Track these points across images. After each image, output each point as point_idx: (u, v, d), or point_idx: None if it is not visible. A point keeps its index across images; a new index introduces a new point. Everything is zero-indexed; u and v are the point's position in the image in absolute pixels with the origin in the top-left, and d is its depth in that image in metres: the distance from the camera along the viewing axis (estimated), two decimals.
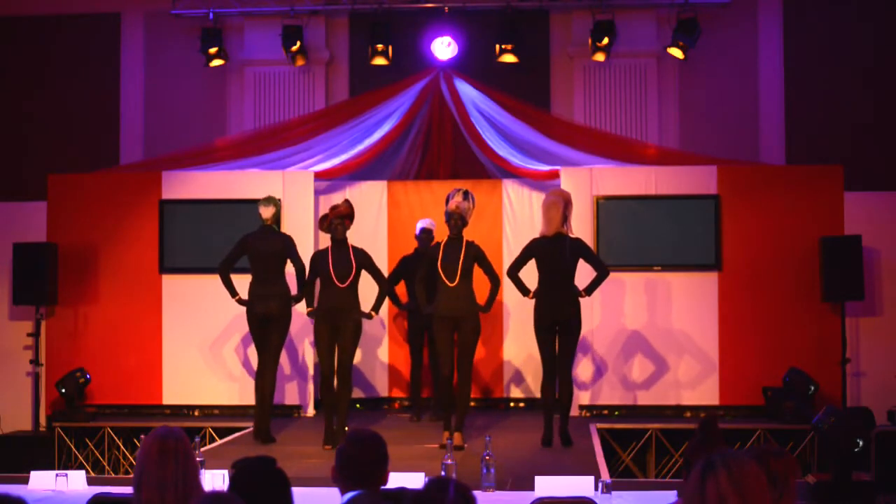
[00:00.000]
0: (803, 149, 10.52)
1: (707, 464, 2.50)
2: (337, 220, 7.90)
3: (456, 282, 7.69)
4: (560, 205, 7.75)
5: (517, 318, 9.89)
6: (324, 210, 10.14)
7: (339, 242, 7.95)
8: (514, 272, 7.95)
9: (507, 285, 9.86)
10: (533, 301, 7.94)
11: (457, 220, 7.75)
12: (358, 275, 7.92)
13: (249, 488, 3.01)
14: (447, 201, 7.79)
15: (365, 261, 8.00)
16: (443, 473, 5.64)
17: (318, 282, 8.03)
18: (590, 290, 7.94)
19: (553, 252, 7.75)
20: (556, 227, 7.74)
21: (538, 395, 9.17)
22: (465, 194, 7.77)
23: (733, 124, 10.71)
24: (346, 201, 8.07)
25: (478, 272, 7.88)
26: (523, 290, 7.97)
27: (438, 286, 7.78)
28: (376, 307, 8.07)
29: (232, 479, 3.09)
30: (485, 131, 10.08)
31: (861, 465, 7.48)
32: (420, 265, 8.26)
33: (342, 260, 7.89)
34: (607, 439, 8.85)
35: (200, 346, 9.72)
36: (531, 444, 7.86)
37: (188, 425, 8.70)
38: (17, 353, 10.22)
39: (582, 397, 9.54)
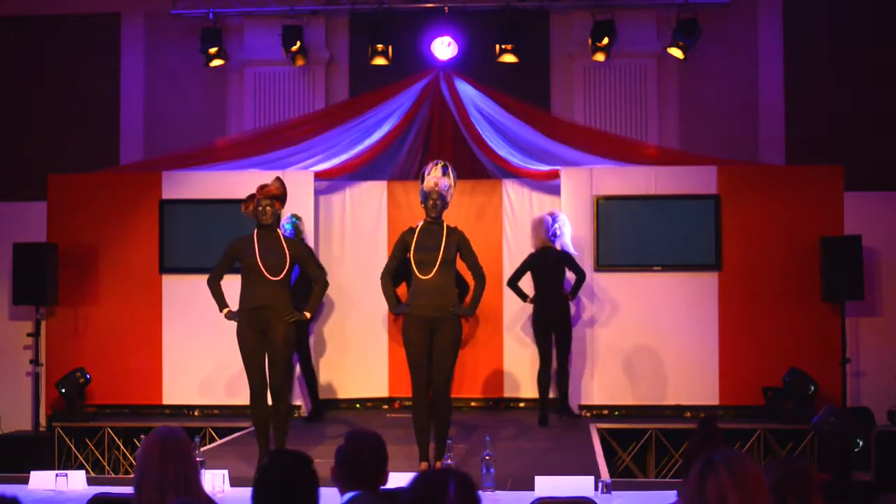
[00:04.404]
0: (803, 149, 10.52)
1: (707, 463, 2.50)
2: (266, 202, 6.75)
3: (432, 274, 6.59)
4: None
5: (517, 318, 9.89)
6: (324, 210, 10.19)
7: (267, 228, 6.78)
8: (513, 282, 9.12)
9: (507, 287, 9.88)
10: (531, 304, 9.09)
11: (435, 201, 6.67)
12: (291, 267, 6.81)
13: (282, 481, 2.97)
14: (422, 178, 6.78)
15: (301, 252, 6.95)
16: None
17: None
18: (573, 293, 9.10)
19: (542, 263, 8.96)
20: (540, 242, 8.97)
21: (538, 393, 9.38)
22: (445, 168, 6.75)
23: (733, 124, 10.71)
24: (278, 179, 6.94)
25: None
26: (522, 296, 9.11)
27: (412, 280, 6.76)
28: (312, 307, 6.97)
29: (265, 468, 3.03)
30: (485, 131, 10.08)
31: (861, 465, 7.49)
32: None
33: (273, 249, 6.75)
34: (607, 439, 8.85)
35: (200, 346, 9.71)
36: (531, 444, 7.86)
37: (188, 425, 8.70)
38: (17, 353, 10.23)
39: (582, 397, 9.54)
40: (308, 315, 6.96)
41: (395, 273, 9.49)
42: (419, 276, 6.63)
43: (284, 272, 6.74)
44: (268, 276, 6.70)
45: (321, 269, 7.08)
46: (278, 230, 6.88)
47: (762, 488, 2.49)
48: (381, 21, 10.50)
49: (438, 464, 6.46)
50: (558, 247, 9.03)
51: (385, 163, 10.41)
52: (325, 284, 7.07)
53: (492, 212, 10.18)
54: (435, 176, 6.67)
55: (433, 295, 6.61)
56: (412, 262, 6.67)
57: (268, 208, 6.77)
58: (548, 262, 8.96)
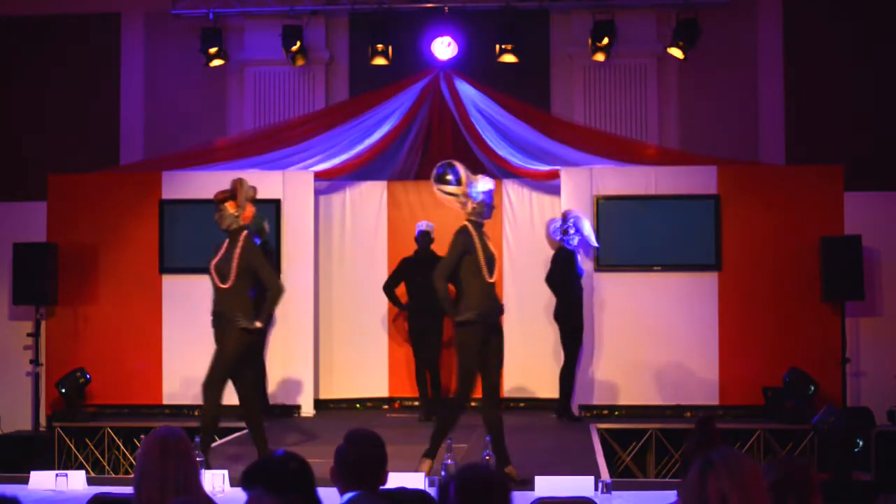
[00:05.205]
0: (803, 149, 10.52)
1: (706, 462, 2.49)
2: (219, 207, 6.73)
3: (494, 277, 6.53)
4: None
5: (516, 319, 9.89)
6: (324, 210, 10.19)
7: (229, 234, 6.76)
8: (546, 280, 9.29)
9: (509, 287, 9.88)
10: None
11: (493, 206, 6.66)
12: (243, 274, 6.71)
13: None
14: (441, 179, 6.56)
15: (252, 257, 6.72)
16: (443, 474, 5.65)
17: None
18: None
19: (554, 263, 9.21)
20: (550, 243, 9.26)
21: (538, 395, 9.56)
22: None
23: (733, 124, 10.71)
24: (234, 180, 6.85)
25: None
26: (555, 293, 9.30)
27: (473, 284, 6.47)
28: (263, 316, 6.88)
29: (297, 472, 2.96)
30: (485, 131, 10.08)
31: (861, 465, 7.49)
32: (421, 267, 8.59)
33: (228, 255, 6.70)
34: (607, 439, 8.84)
35: (200, 346, 9.67)
36: (531, 444, 7.86)
37: (188, 425, 8.66)
38: (17, 353, 10.22)
39: (582, 397, 9.53)
40: (258, 325, 6.83)
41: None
42: (488, 279, 6.47)
43: (230, 280, 6.68)
44: (218, 282, 6.74)
45: (275, 276, 6.96)
46: (242, 234, 6.78)
47: (761, 488, 2.48)
48: (381, 21, 10.49)
49: (515, 470, 6.41)
50: (573, 246, 9.13)
51: (385, 163, 10.41)
52: (277, 292, 6.91)
53: None
54: (479, 179, 6.56)
55: (495, 299, 6.61)
56: (482, 264, 6.42)
57: (222, 213, 6.73)
58: (556, 263, 9.17)
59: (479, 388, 6.67)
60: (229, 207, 6.72)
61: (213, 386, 6.78)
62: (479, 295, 6.43)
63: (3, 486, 6.06)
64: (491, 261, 6.48)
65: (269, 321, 9.15)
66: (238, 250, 6.70)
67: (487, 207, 6.54)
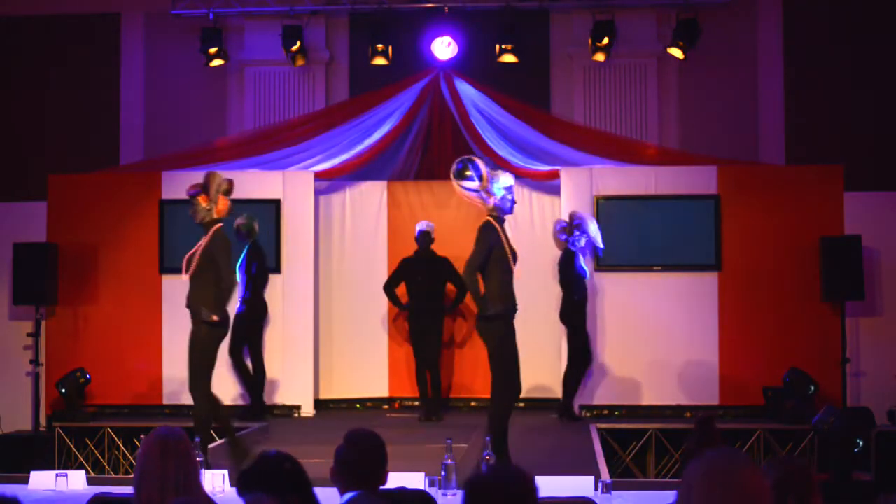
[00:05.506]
0: (803, 149, 10.52)
1: (697, 462, 2.49)
2: (192, 200, 6.69)
3: (517, 273, 6.61)
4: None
5: (516, 319, 9.86)
6: (324, 210, 10.19)
7: (203, 228, 6.72)
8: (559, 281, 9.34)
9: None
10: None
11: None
12: (204, 266, 6.61)
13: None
14: (460, 175, 6.65)
15: (215, 248, 6.62)
16: (443, 474, 5.65)
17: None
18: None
19: (558, 265, 9.23)
20: (558, 245, 9.12)
21: (538, 394, 9.57)
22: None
23: (733, 124, 10.72)
24: (206, 173, 6.80)
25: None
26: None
27: (500, 279, 6.51)
28: (213, 309, 6.67)
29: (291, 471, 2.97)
30: (485, 131, 10.08)
31: (861, 465, 7.49)
32: (421, 267, 8.63)
33: (196, 248, 6.70)
34: (607, 439, 8.84)
35: None
36: (531, 444, 7.86)
37: (188, 425, 8.67)
38: (17, 353, 10.21)
39: (582, 397, 9.53)
40: (214, 318, 6.67)
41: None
42: (513, 274, 6.58)
43: (191, 271, 6.63)
44: (184, 274, 6.69)
45: (231, 270, 6.91)
46: (214, 227, 6.70)
47: (752, 488, 2.46)
48: (381, 21, 10.49)
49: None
50: (577, 247, 9.10)
51: (385, 163, 10.42)
52: (228, 286, 6.78)
53: None
54: (500, 174, 6.62)
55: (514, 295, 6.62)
56: (508, 258, 6.52)
57: (195, 207, 6.69)
58: (560, 264, 9.18)
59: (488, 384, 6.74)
60: (201, 201, 6.67)
61: (197, 385, 6.72)
62: (505, 289, 6.51)
63: (3, 486, 6.06)
64: (514, 256, 6.55)
65: (249, 317, 9.22)
66: (205, 242, 6.65)
67: (510, 203, 6.63)
